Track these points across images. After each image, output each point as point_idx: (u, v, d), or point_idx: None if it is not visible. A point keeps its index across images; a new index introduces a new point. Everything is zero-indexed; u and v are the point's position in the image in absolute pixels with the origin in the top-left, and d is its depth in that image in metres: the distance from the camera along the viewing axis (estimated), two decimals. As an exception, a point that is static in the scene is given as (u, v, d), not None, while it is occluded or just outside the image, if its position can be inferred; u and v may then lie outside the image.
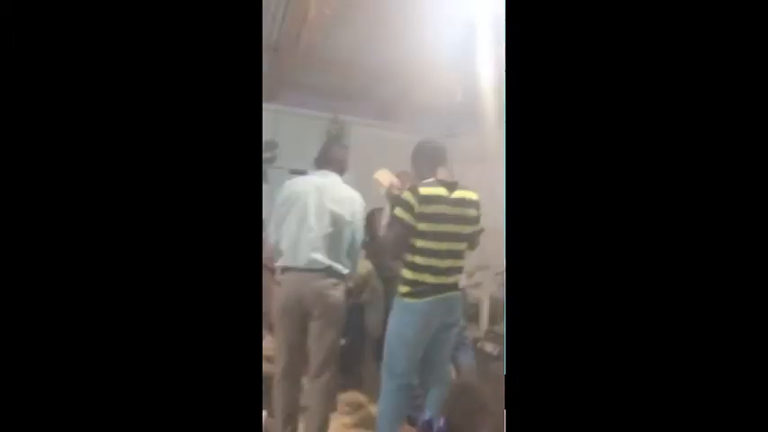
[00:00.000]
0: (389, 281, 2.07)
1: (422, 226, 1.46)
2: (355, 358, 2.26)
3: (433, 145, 1.61)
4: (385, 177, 1.67)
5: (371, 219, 2.50)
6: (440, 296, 1.51)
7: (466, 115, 3.65)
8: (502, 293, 3.03)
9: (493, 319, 3.03)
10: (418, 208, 1.44)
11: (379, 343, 1.68)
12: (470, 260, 3.15)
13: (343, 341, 2.18)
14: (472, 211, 1.59)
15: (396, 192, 1.63)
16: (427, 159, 1.58)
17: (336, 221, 1.62)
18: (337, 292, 1.62)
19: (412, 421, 1.78)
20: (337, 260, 1.62)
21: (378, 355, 1.60)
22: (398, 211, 1.46)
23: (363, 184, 1.79)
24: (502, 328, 2.77)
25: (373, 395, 1.78)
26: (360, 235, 1.73)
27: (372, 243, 2.46)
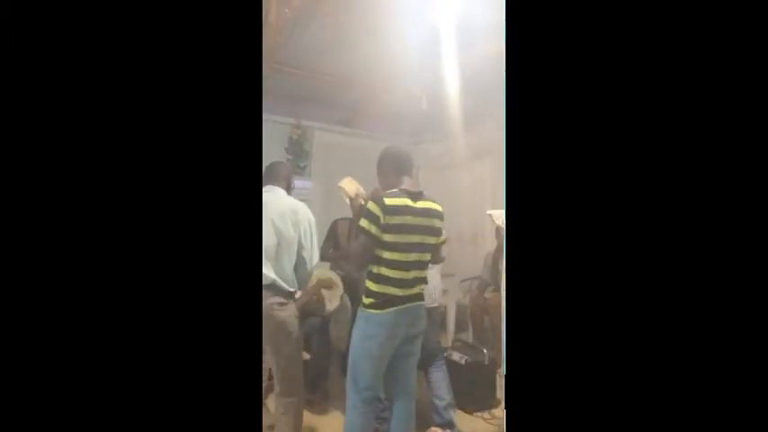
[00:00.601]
0: (354, 292, 2.01)
1: (387, 237, 1.42)
2: (321, 373, 2.17)
3: (398, 153, 1.57)
4: (350, 187, 1.62)
5: (334, 229, 2.43)
6: (404, 307, 1.47)
7: (431, 122, 3.66)
8: (468, 301, 3.03)
9: (459, 327, 3.02)
10: (384, 219, 1.40)
11: (345, 356, 1.62)
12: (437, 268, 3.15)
13: (307, 356, 2.09)
14: (437, 222, 1.56)
15: (361, 201, 1.58)
16: (393, 168, 1.54)
17: (279, 235, 1.58)
18: (284, 312, 1.57)
19: (380, 436, 1.73)
20: (282, 276, 1.58)
21: (344, 369, 1.54)
22: (364, 223, 1.42)
23: (327, 190, 1.72)
24: (468, 336, 2.76)
25: (341, 410, 1.70)
26: (309, 247, 1.67)
27: (335, 253, 2.39)
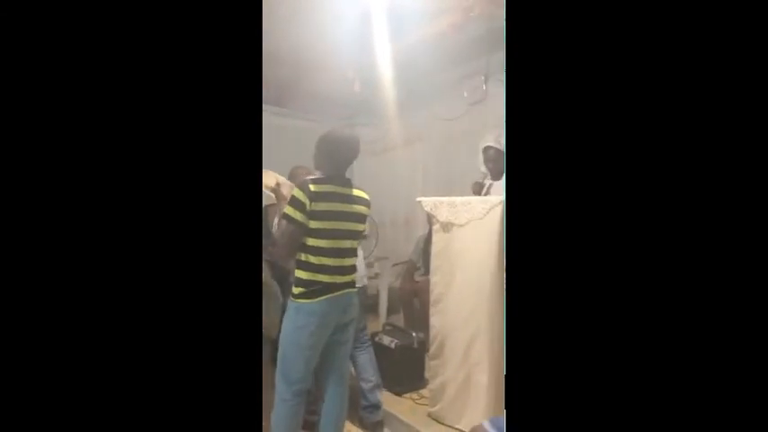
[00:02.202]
0: (283, 281, 1.96)
1: (314, 224, 1.39)
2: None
3: (343, 139, 1.52)
4: (268, 179, 1.56)
5: (263, 216, 2.34)
6: (335, 294, 1.46)
7: (364, 106, 3.63)
8: (401, 284, 3.09)
9: (391, 311, 3.08)
10: (310, 206, 1.37)
11: (275, 346, 1.58)
12: (369, 251, 3.17)
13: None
14: (364, 209, 1.56)
15: (285, 190, 1.54)
16: (332, 152, 1.50)
17: None
18: None
19: (309, 427, 1.72)
20: None
21: (275, 359, 1.50)
22: (289, 209, 1.38)
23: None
24: (400, 319, 2.83)
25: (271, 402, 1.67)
26: None
27: (265, 241, 2.31)
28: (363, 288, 2.01)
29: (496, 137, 2.30)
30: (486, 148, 2.35)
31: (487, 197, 2.17)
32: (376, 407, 1.90)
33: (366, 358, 1.94)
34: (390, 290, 3.22)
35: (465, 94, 3.01)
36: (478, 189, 2.37)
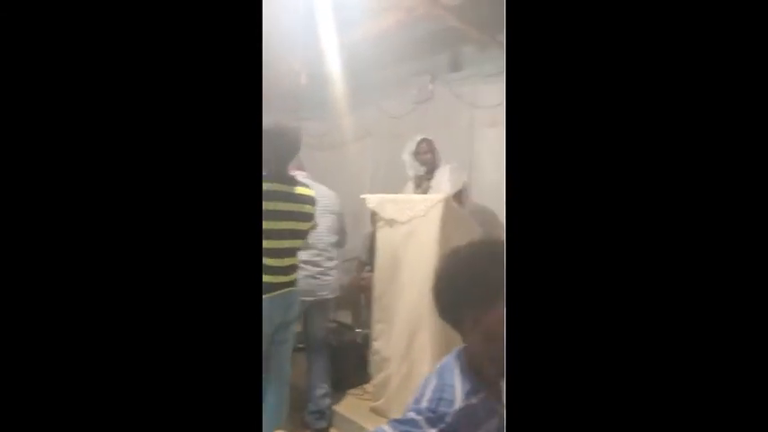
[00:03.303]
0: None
1: None
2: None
3: (286, 133, 1.48)
4: None
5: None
6: (276, 294, 1.44)
7: (311, 99, 3.57)
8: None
9: (339, 307, 3.07)
10: None
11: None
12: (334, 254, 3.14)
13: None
14: (309, 208, 1.54)
15: None
16: (276, 149, 1.45)
17: None
18: None
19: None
20: None
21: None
22: None
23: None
24: (347, 316, 2.83)
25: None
26: None
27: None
28: (333, 299, 2.00)
29: (431, 136, 2.36)
30: (420, 142, 2.39)
31: (429, 195, 2.21)
32: (323, 413, 1.89)
33: (322, 365, 1.94)
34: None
35: (412, 93, 3.04)
36: (419, 182, 2.42)
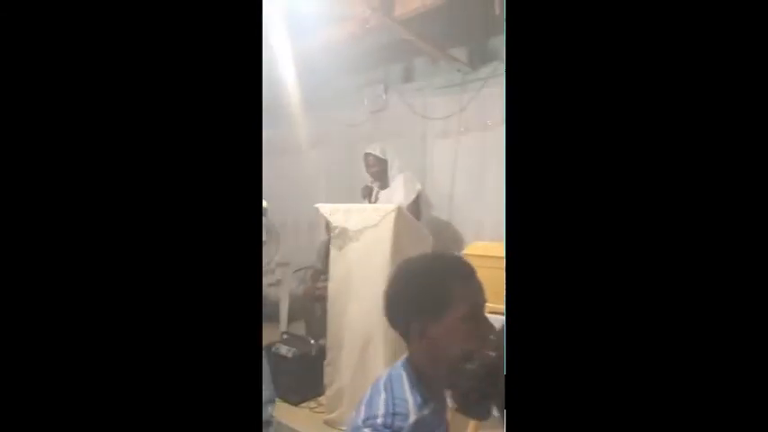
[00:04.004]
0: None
1: None
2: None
3: None
4: None
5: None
6: None
7: (266, 106, 3.50)
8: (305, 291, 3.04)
9: (292, 318, 3.01)
10: None
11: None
12: (270, 257, 3.07)
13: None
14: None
15: None
16: None
17: None
18: None
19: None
20: None
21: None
22: None
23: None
24: (301, 327, 2.78)
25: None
26: None
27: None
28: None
29: (382, 146, 2.39)
30: (366, 155, 2.42)
31: (381, 205, 2.23)
32: (267, 423, 1.84)
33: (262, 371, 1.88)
34: (292, 297, 3.15)
35: (366, 102, 3.06)
36: (367, 193, 2.44)
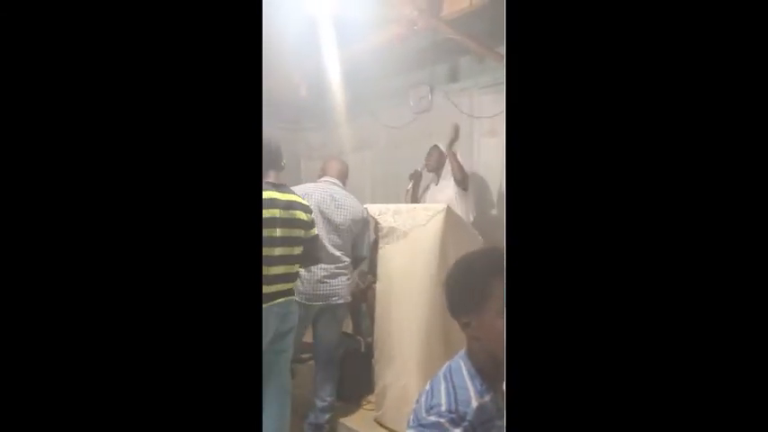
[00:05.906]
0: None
1: None
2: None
3: (265, 145, 1.51)
4: None
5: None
6: (270, 304, 1.44)
7: (310, 110, 3.61)
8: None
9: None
10: None
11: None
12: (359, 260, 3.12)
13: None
14: (301, 214, 1.55)
15: None
16: (264, 158, 1.48)
17: None
18: None
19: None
20: None
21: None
22: None
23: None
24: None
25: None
26: None
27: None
28: (342, 305, 1.98)
29: (446, 143, 2.39)
30: (433, 147, 2.45)
31: (431, 205, 2.23)
32: (320, 427, 1.88)
33: (326, 376, 1.92)
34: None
35: (411, 104, 3.08)
36: (417, 178, 2.46)
